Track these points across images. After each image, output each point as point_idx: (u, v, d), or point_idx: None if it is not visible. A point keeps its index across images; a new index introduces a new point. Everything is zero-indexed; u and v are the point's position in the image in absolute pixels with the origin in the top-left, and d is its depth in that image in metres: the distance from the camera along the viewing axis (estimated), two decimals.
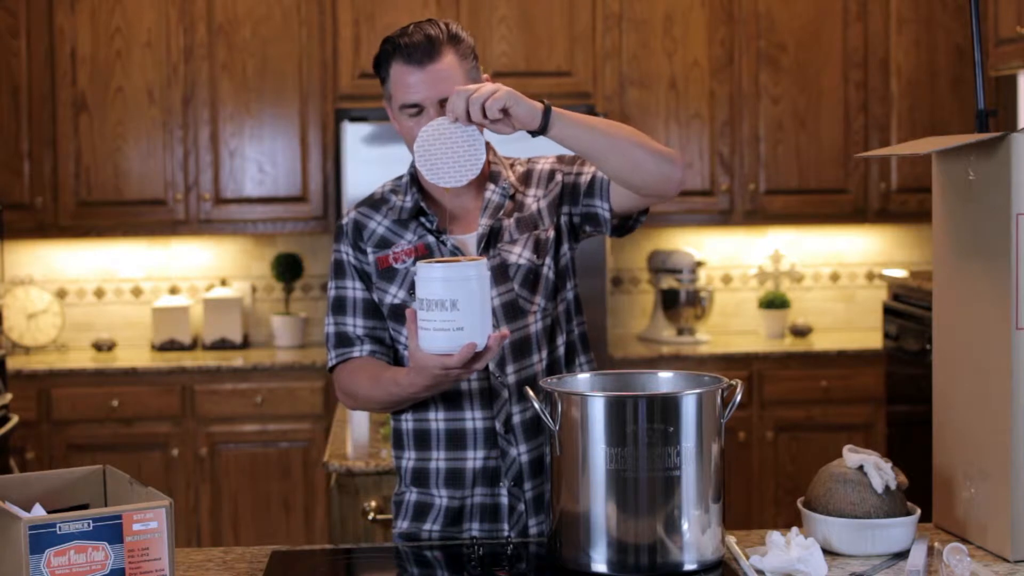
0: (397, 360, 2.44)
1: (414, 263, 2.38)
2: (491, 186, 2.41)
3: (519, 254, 2.38)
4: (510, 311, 2.36)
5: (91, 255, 5.54)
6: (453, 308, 2.08)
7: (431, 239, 2.39)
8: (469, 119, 2.14)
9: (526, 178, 2.45)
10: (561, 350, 2.42)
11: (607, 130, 2.21)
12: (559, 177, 2.43)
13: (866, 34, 5.35)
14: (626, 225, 2.41)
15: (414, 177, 2.44)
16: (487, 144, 2.45)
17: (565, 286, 2.45)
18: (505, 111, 2.13)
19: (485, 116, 2.12)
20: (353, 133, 4.98)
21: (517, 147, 2.66)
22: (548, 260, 2.40)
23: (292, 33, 5.22)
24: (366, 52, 5.18)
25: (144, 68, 5.20)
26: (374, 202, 2.47)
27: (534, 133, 2.17)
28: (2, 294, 5.29)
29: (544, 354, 2.39)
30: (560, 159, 2.46)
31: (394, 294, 2.39)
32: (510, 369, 2.36)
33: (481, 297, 2.10)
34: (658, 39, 5.30)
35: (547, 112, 2.15)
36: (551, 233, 2.41)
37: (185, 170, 5.24)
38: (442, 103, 2.28)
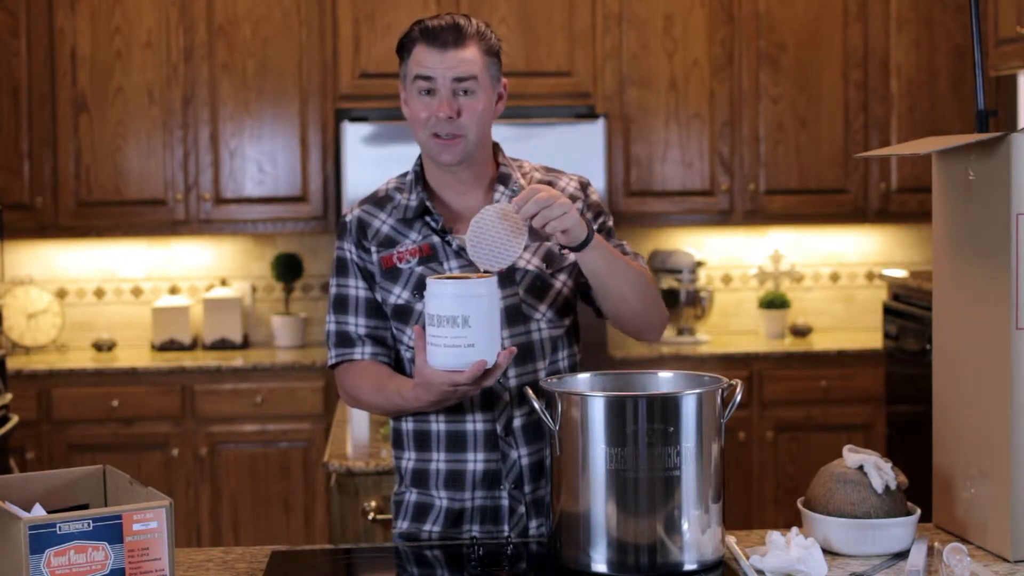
0: (398, 360, 2.44)
1: (418, 263, 2.37)
2: (500, 187, 2.39)
3: (528, 260, 2.38)
4: (513, 315, 2.35)
5: (91, 255, 5.54)
6: (464, 325, 2.08)
7: (436, 239, 2.38)
8: (529, 220, 2.15)
9: None
10: (562, 364, 2.41)
11: (625, 272, 2.30)
12: (579, 205, 2.41)
13: (866, 34, 5.35)
14: None
15: (419, 175, 2.43)
16: (497, 145, 2.45)
17: (576, 308, 2.45)
18: (565, 232, 2.17)
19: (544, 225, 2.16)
20: (353, 133, 4.98)
21: (510, 148, 2.65)
22: (563, 276, 2.40)
23: (292, 33, 5.22)
24: (366, 52, 5.18)
25: (144, 68, 5.20)
26: (378, 200, 2.45)
27: (568, 248, 2.23)
28: (2, 294, 5.29)
29: (547, 362, 2.39)
30: (584, 187, 2.45)
31: (398, 294, 2.39)
32: (512, 373, 2.35)
33: (491, 314, 2.10)
34: (658, 39, 5.30)
35: (589, 237, 2.20)
36: (571, 254, 2.41)
37: (185, 170, 5.24)
38: (456, 82, 2.29)
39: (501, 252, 2.16)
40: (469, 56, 2.30)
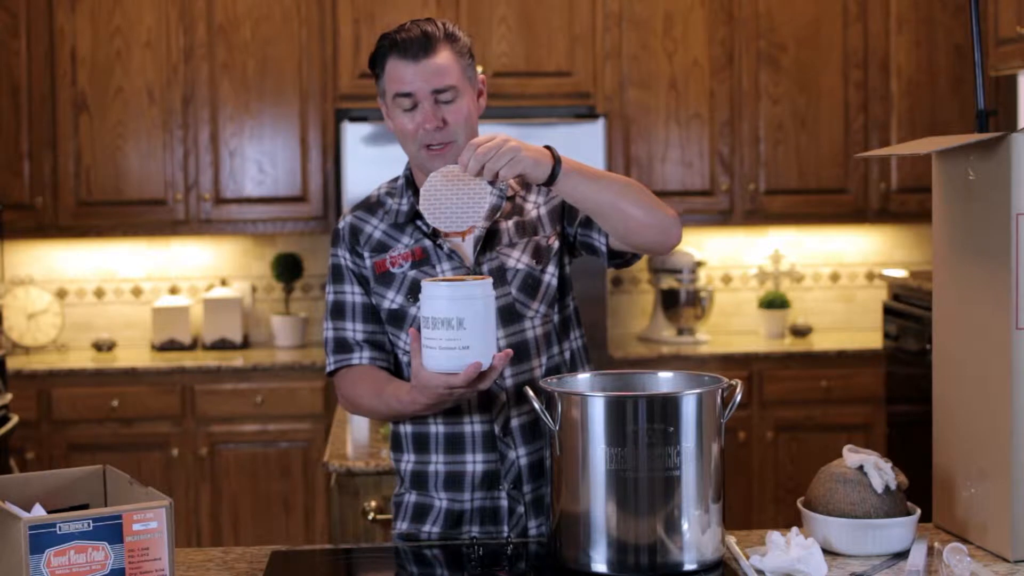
0: (396, 365, 2.43)
1: (411, 267, 2.37)
2: (488, 187, 2.39)
3: (517, 258, 2.38)
4: (506, 315, 2.35)
5: (91, 255, 5.54)
6: (459, 327, 2.07)
7: (428, 243, 2.38)
8: (480, 174, 2.13)
9: (526, 183, 2.44)
10: (558, 359, 2.41)
11: (611, 187, 2.21)
12: None
13: (866, 34, 5.35)
14: (623, 259, 2.40)
15: (409, 179, 2.43)
16: None
17: (567, 296, 2.45)
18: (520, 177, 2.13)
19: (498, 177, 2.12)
20: (353, 133, 4.98)
21: None
22: (551, 268, 2.39)
23: (292, 33, 5.22)
24: (366, 52, 5.18)
25: (144, 68, 5.20)
26: (370, 205, 2.46)
27: (544, 184, 2.18)
28: (2, 294, 5.29)
29: (543, 359, 2.39)
30: None
31: (392, 299, 2.39)
32: (508, 373, 2.35)
33: (486, 316, 2.10)
34: (658, 39, 5.30)
35: (555, 166, 2.15)
36: (555, 242, 2.40)
37: (185, 170, 5.24)
38: (436, 94, 2.28)
39: (467, 209, 2.14)
40: (443, 63, 2.28)
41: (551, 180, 2.15)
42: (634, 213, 2.22)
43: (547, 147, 2.17)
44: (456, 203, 2.15)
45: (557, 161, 2.15)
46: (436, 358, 2.10)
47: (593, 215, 2.25)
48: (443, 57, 2.29)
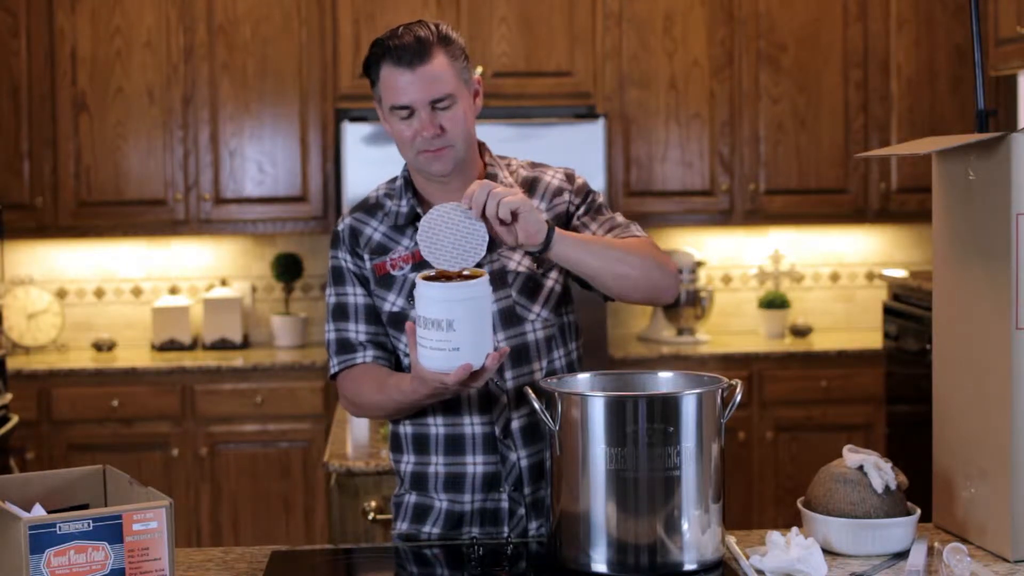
0: (397, 366, 2.42)
1: (412, 270, 2.36)
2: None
3: (518, 261, 2.37)
4: (507, 318, 2.34)
5: (91, 255, 5.54)
6: (449, 328, 2.04)
7: None
8: (483, 213, 2.12)
9: (530, 185, 2.41)
10: (558, 363, 2.40)
11: (606, 253, 2.24)
12: (567, 196, 2.40)
13: (866, 34, 5.35)
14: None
15: (408, 180, 2.41)
16: (482, 144, 2.44)
17: (569, 303, 2.44)
18: (515, 215, 2.12)
19: (498, 216, 2.12)
20: (353, 133, 4.98)
21: (510, 148, 2.65)
22: (554, 274, 2.38)
23: (292, 33, 5.22)
24: (366, 52, 5.17)
25: (144, 68, 5.20)
26: (369, 207, 2.44)
27: (535, 253, 2.19)
28: (2, 294, 5.29)
29: (544, 363, 2.37)
30: (570, 178, 2.43)
31: (392, 301, 2.38)
32: (508, 375, 2.34)
33: (479, 317, 2.06)
34: (658, 39, 5.30)
35: (550, 232, 2.16)
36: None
37: (185, 170, 5.24)
38: (433, 103, 2.27)
39: (463, 250, 2.12)
40: (439, 70, 2.26)
41: (548, 241, 2.16)
42: (629, 275, 2.26)
43: (548, 222, 2.19)
44: (453, 242, 2.12)
45: (551, 228, 2.17)
46: (428, 357, 2.08)
47: (589, 278, 2.28)
48: (438, 63, 2.26)
